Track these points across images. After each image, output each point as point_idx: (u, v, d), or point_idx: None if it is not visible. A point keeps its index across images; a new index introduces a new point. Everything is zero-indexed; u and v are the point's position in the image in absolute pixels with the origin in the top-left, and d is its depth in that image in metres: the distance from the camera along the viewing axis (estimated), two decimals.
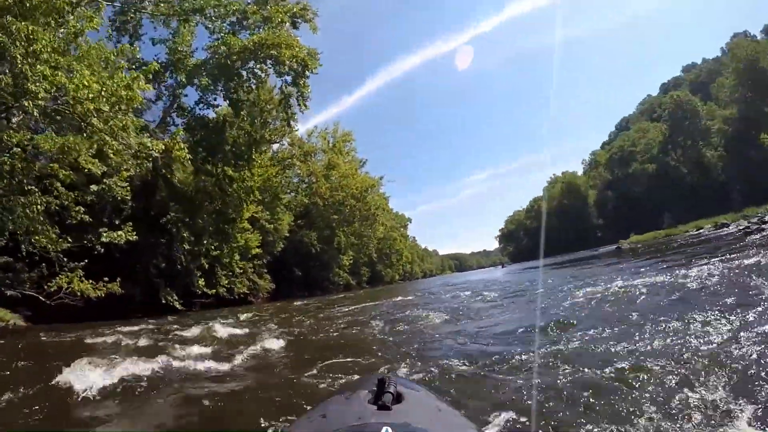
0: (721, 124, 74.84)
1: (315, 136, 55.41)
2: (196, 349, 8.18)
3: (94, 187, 19.52)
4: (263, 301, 38.07)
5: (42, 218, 15.01)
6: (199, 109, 25.76)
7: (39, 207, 14.20)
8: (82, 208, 16.35)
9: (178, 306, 24.26)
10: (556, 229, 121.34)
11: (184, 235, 23.64)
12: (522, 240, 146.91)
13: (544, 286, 15.48)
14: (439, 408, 1.07)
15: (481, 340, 7.32)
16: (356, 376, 4.66)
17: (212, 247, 27.10)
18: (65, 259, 16.58)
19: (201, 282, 25.00)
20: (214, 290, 27.15)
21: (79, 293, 16.35)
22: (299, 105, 25.22)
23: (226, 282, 30.30)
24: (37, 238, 15.08)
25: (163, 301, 23.81)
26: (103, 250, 19.26)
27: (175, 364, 6.74)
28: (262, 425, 3.86)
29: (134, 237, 19.43)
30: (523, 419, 3.47)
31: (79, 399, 5.00)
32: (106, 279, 17.09)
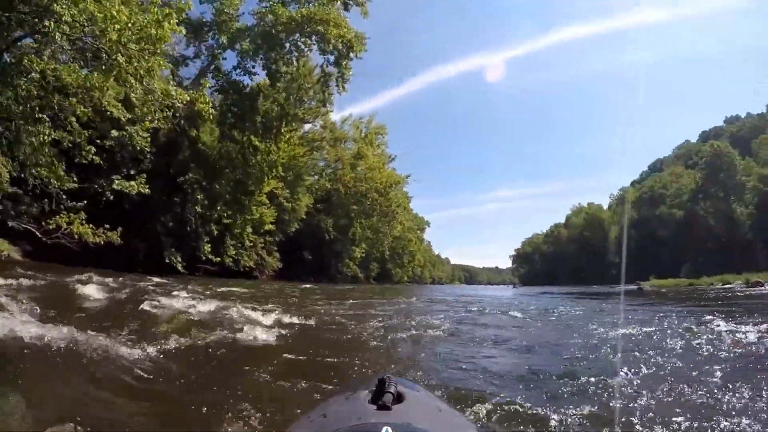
0: (756, 182, 72.70)
1: (348, 124, 54.57)
2: (171, 322, 7.48)
3: (114, 133, 18.88)
4: (268, 278, 37.39)
5: (48, 151, 14.29)
6: (236, 74, 25.04)
7: (45, 138, 13.44)
8: (93, 149, 15.54)
9: (180, 268, 23.61)
10: (573, 259, 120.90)
11: (199, 197, 22.92)
12: (536, 263, 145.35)
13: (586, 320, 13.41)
14: (439, 408, 1.03)
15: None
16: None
17: (225, 214, 26.37)
18: (66, 199, 15.96)
19: (207, 248, 24.28)
20: (219, 258, 26.37)
21: (77, 236, 15.64)
22: (338, 86, 24.35)
23: (234, 252, 29.63)
24: (40, 170, 14.36)
25: (167, 261, 23.17)
26: (112, 197, 18.68)
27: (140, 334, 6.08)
28: (260, 426, 3.60)
29: (146, 190, 18.75)
30: None
31: None
32: (106, 226, 16.30)
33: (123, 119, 17.84)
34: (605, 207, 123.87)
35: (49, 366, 4.35)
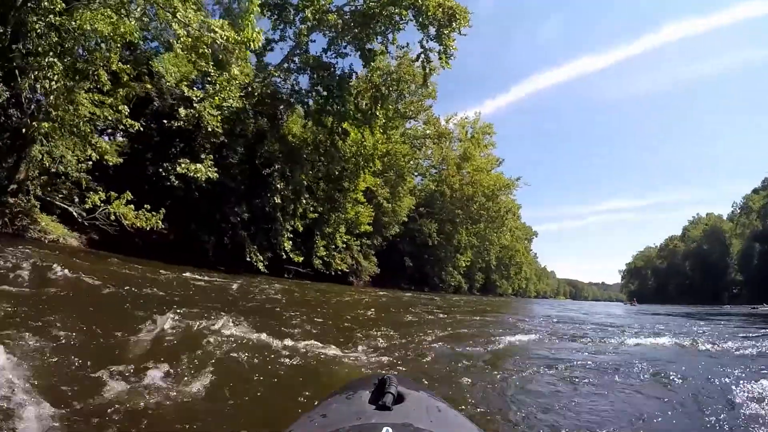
0: None
1: (453, 123, 50.23)
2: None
3: (182, 112, 16.33)
4: (365, 284, 34.15)
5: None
6: (327, 57, 21.85)
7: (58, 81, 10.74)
8: (136, 124, 12.85)
9: (261, 267, 20.58)
10: (688, 276, 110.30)
11: (279, 186, 19.71)
12: (648, 279, 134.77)
13: None
14: (439, 408, 1.01)
15: None
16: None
17: (311, 207, 23.18)
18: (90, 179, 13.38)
19: (288, 245, 20.96)
20: (302, 258, 23.10)
21: (115, 217, 12.93)
22: (441, 60, 20.33)
23: (324, 254, 26.43)
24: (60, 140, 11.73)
25: (248, 259, 20.24)
26: (176, 182, 15.98)
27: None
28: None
29: (215, 175, 15.94)
30: None
31: None
32: (147, 206, 13.48)
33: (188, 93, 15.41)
34: (725, 218, 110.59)
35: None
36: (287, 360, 5.06)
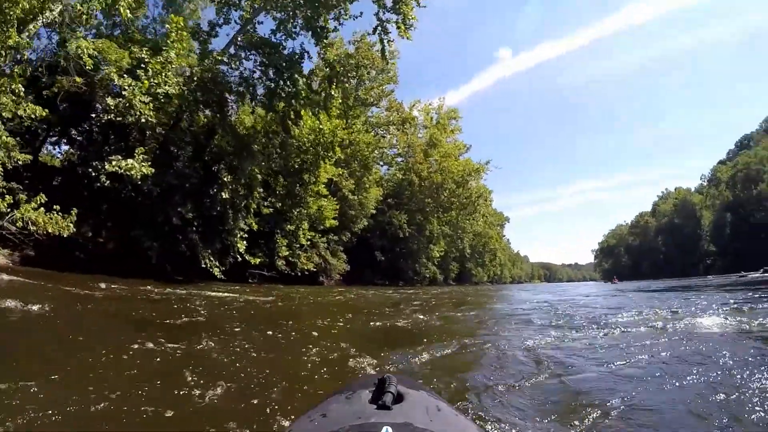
0: None
1: (417, 110, 48.62)
2: None
3: (111, 101, 14.30)
4: (336, 283, 32.39)
5: None
6: (276, 39, 19.78)
7: None
8: (38, 109, 10.94)
9: (217, 273, 18.54)
10: (661, 251, 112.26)
11: (226, 179, 17.59)
12: (621, 257, 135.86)
13: None
14: (439, 408, 0.98)
15: None
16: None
17: (264, 203, 21.21)
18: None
19: (241, 246, 18.84)
20: (259, 260, 21.08)
21: (23, 222, 10.95)
22: (399, 31, 18.52)
23: (288, 253, 24.49)
24: None
25: (203, 265, 18.19)
26: (107, 182, 13.94)
27: None
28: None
29: (149, 170, 13.96)
30: None
31: None
32: (56, 207, 11.49)
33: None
34: (693, 191, 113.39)
35: None
36: None
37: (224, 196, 17.34)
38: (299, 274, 26.27)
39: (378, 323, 9.91)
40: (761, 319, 8.54)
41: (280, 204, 23.06)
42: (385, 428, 0.79)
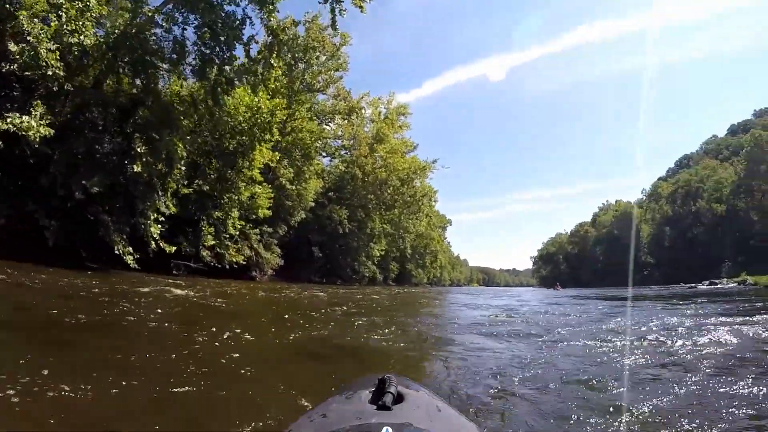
0: None
1: (366, 103, 46.80)
2: None
3: (13, 47, 12.01)
4: (269, 279, 30.34)
5: None
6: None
7: None
8: None
9: (131, 262, 16.22)
10: (600, 261, 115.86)
11: (140, 150, 15.19)
12: (560, 264, 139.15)
13: None
14: (439, 408, 1.04)
15: None
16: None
17: (188, 185, 18.99)
18: None
19: (155, 230, 16.47)
20: (176, 248, 18.64)
21: None
22: (354, 2, 16.81)
23: (214, 243, 22.29)
24: None
25: (116, 251, 15.82)
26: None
27: None
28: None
29: (48, 131, 11.78)
30: None
31: None
32: None
33: None
34: (636, 207, 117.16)
35: None
36: None
37: (137, 170, 14.97)
38: (227, 267, 24.09)
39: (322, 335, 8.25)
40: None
41: (207, 187, 20.85)
42: (385, 428, 0.79)
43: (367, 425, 0.85)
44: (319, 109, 37.21)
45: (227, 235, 23.51)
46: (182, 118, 17.41)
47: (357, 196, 44.23)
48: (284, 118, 29.25)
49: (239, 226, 23.92)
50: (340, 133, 43.04)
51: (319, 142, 36.27)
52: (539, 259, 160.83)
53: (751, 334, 8.22)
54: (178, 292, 12.95)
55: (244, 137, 21.94)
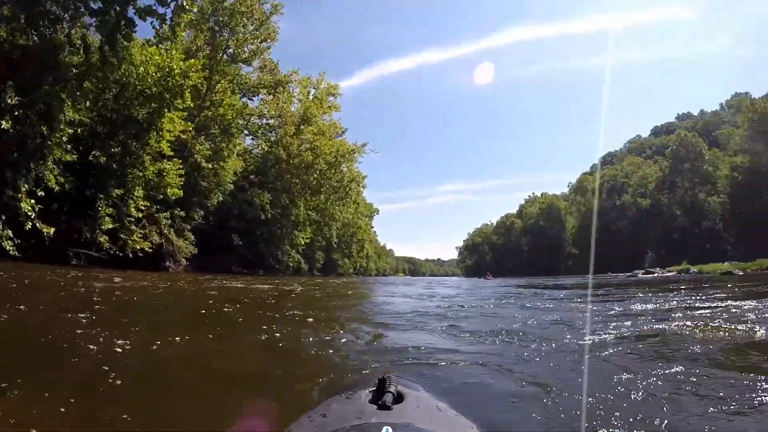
0: (728, 171, 71.35)
1: (295, 81, 43.83)
2: None
3: None
4: (184, 270, 27.32)
5: None
6: None
7: None
8: None
9: (10, 248, 13.16)
10: (525, 251, 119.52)
11: (10, 101, 11.94)
12: (486, 255, 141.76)
13: None
14: (439, 408, 1.06)
15: None
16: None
17: (71, 151, 15.77)
18: None
19: (26, 205, 13.23)
20: (53, 229, 15.21)
21: None
22: None
23: (111, 224, 19.12)
24: None
25: None
26: None
27: None
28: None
29: None
30: None
31: None
32: None
33: None
34: (562, 200, 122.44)
35: None
36: None
37: (4, 126, 11.77)
38: (131, 255, 20.95)
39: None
40: None
41: (105, 159, 17.72)
42: (385, 428, 0.80)
43: (367, 425, 0.84)
44: (242, 81, 34.03)
45: (131, 218, 20.41)
46: (73, 69, 14.25)
47: (281, 180, 41.43)
48: (202, 88, 26.28)
49: (144, 208, 20.79)
50: (264, 110, 40.03)
51: (241, 118, 33.17)
52: (465, 249, 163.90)
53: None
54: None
55: (153, 104, 18.99)
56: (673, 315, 8.30)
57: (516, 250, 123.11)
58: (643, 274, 46.11)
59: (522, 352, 5.51)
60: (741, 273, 32.53)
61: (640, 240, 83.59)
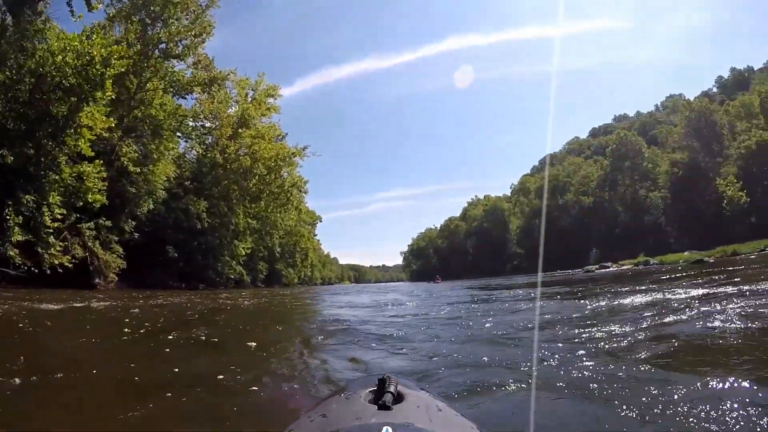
0: (669, 167, 75.78)
1: (232, 82, 41.41)
2: None
3: None
4: (115, 286, 24.86)
5: None
6: None
7: None
8: None
9: None
10: (470, 253, 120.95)
11: None
12: (431, 258, 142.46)
13: None
14: (439, 408, 1.03)
15: None
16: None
17: None
18: None
19: None
20: None
21: None
22: None
23: (23, 235, 16.68)
24: None
25: None
26: None
27: None
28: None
29: None
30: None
31: None
32: None
33: None
34: (505, 202, 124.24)
35: None
36: None
37: None
38: (48, 272, 18.47)
39: None
40: None
41: (12, 159, 15.40)
42: (385, 428, 0.80)
43: (367, 425, 0.84)
44: (176, 78, 31.51)
45: (49, 229, 17.96)
46: None
47: (218, 186, 39.11)
48: (132, 86, 24.01)
49: (61, 216, 18.33)
50: (199, 109, 37.57)
51: (174, 119, 30.67)
52: (410, 254, 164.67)
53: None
54: None
55: (72, 98, 16.79)
56: None
57: (461, 252, 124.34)
58: (597, 269, 46.39)
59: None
60: (712, 260, 33.06)
61: (584, 238, 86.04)
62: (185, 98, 33.76)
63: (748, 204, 60.69)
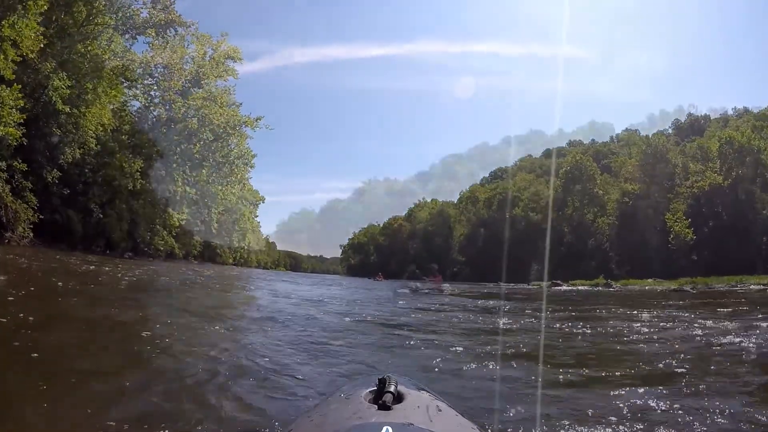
0: (619, 197, 78.24)
1: (192, 36, 37.82)
2: None
3: None
4: (30, 243, 21.45)
5: None
6: None
7: None
8: None
9: None
10: (410, 254, 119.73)
11: None
12: (370, 255, 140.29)
13: None
14: (439, 408, 1.06)
15: None
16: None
17: None
18: None
19: None
20: None
21: None
22: None
23: None
24: None
25: None
26: None
27: None
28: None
29: None
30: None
31: None
32: None
33: None
34: (452, 208, 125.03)
35: None
36: None
37: None
38: None
39: None
40: None
41: None
42: (385, 428, 0.81)
43: (367, 425, 0.85)
44: (129, 16, 27.81)
45: None
46: None
47: (158, 147, 35.54)
48: (79, 16, 20.64)
49: None
50: (150, 55, 33.86)
51: (119, 60, 27.03)
52: (349, 248, 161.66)
53: None
54: None
55: None
56: None
57: (402, 252, 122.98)
58: (550, 286, 45.46)
59: None
60: (694, 291, 32.03)
61: (528, 253, 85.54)
62: (136, 39, 30.10)
63: (694, 241, 63.04)
